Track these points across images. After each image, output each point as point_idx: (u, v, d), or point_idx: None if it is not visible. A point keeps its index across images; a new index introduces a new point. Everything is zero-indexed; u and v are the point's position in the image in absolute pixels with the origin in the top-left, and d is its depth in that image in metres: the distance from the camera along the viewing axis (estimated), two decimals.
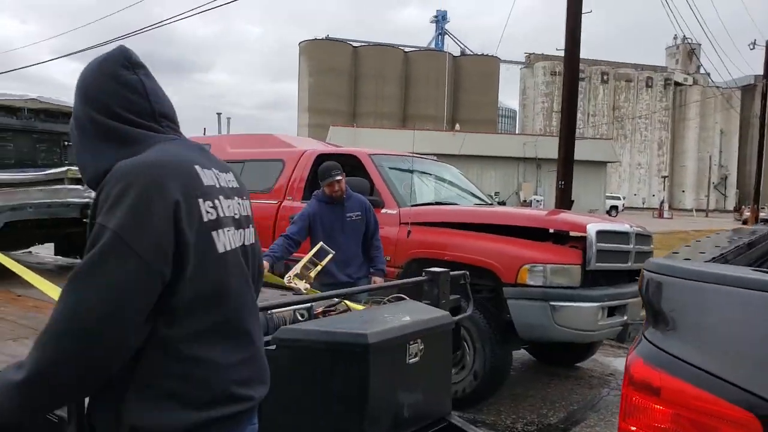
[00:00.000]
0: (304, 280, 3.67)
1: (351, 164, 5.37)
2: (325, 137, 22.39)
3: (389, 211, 4.69)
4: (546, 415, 4.38)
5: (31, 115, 4.59)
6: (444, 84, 52.56)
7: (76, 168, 4.68)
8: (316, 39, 57.92)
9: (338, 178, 4.16)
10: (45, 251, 6.49)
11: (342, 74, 56.14)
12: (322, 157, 5.66)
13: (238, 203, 1.35)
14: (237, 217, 1.32)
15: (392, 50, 57.70)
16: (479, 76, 55.64)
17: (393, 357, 2.26)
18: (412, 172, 4.88)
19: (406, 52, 58.30)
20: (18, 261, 5.41)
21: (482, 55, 57.29)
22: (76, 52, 14.76)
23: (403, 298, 2.86)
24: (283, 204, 5.53)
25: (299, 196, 5.44)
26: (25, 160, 4.51)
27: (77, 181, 4.75)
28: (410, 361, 2.33)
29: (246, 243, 1.35)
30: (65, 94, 4.97)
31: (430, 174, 5.69)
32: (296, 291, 3.60)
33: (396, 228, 4.55)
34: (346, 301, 3.12)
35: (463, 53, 60.56)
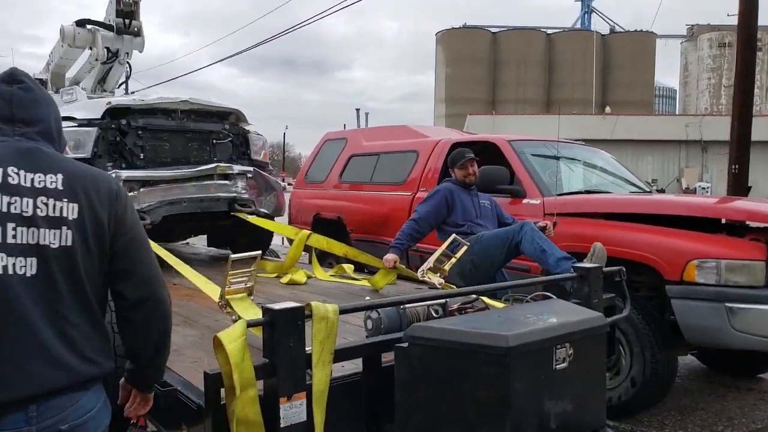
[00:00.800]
0: (438, 274, 3.50)
1: (489, 152, 5.10)
2: (462, 127, 22.01)
3: (532, 201, 4.35)
4: None
5: (183, 116, 4.90)
6: (591, 65, 49.39)
7: (225, 165, 4.97)
8: (453, 28, 57.38)
9: (471, 156, 4.08)
10: (200, 242, 7.01)
11: (480, 62, 55.04)
12: (456, 146, 5.45)
13: (43, 203, 1.44)
14: (29, 215, 1.42)
15: (534, 33, 55.39)
16: (632, 54, 51.44)
17: (537, 362, 2.01)
18: (558, 158, 4.47)
19: (548, 34, 55.65)
20: (174, 251, 5.86)
21: (635, 31, 52.97)
22: (225, 58, 15.91)
23: (549, 297, 2.56)
24: (417, 196, 5.40)
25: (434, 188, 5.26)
26: (179, 158, 4.83)
27: (226, 177, 5.01)
28: (557, 366, 2.06)
29: (43, 243, 1.43)
30: (226, 98, 5.29)
31: (579, 160, 5.20)
32: (431, 286, 3.44)
33: (540, 219, 4.21)
34: (484, 298, 2.90)
35: (612, 31, 56.41)
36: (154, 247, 3.79)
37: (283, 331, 1.92)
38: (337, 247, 4.42)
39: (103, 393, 1.58)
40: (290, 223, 7.26)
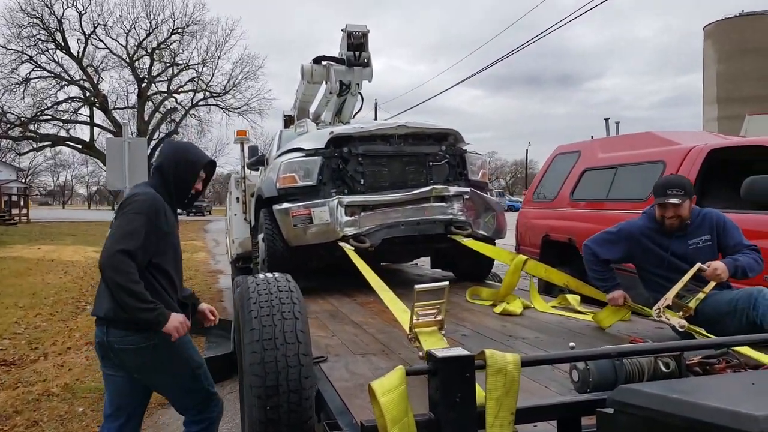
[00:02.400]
0: (680, 313, 2.80)
1: (762, 157, 4.05)
2: (739, 130, 18.78)
3: None
4: None
5: (401, 141, 4.93)
6: None
7: (441, 187, 4.85)
8: (725, 18, 50.09)
9: (674, 201, 3.07)
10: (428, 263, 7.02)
11: (762, 53, 46.94)
12: (716, 153, 4.47)
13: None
14: None
15: None
16: None
17: None
18: None
19: None
20: (400, 272, 5.88)
21: None
22: (466, 79, 16.09)
23: None
24: None
25: None
26: (397, 182, 4.85)
27: (442, 199, 4.89)
28: None
29: None
30: (468, 118, 5.23)
31: None
32: (671, 328, 2.76)
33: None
34: (744, 349, 2.19)
35: None
36: (362, 267, 3.84)
37: (448, 384, 1.63)
38: (556, 276, 3.89)
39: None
40: (518, 245, 6.85)
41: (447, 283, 2.43)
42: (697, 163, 4.47)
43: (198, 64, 35.18)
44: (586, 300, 4.03)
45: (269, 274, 2.38)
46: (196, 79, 35.52)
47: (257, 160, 6.87)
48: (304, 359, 2.07)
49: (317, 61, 6.83)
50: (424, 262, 7.28)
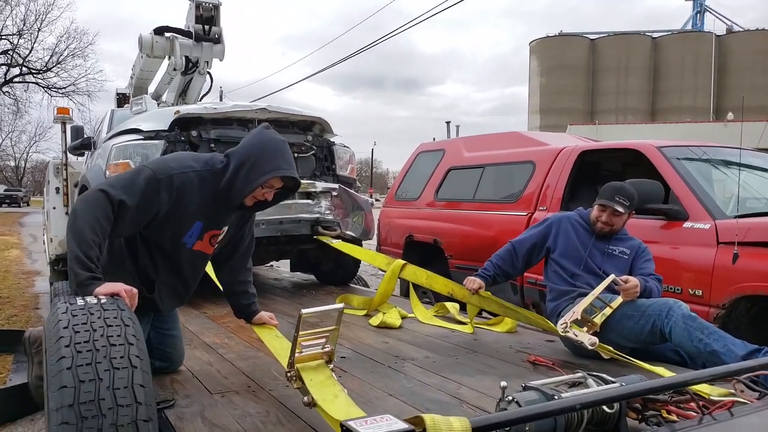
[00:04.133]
0: (584, 329, 2.55)
1: (630, 162, 4.08)
2: None
3: (698, 225, 3.28)
4: None
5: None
6: (703, 69, 45.42)
7: (307, 181, 4.30)
8: (547, 36, 55.37)
9: (617, 209, 2.92)
10: (285, 266, 6.41)
11: (578, 70, 52.57)
12: (585, 155, 4.47)
13: None
14: None
15: (637, 38, 52.01)
16: (753, 55, 46.95)
17: None
18: (739, 167, 3.36)
19: (654, 38, 52.18)
20: (258, 276, 5.20)
21: (757, 29, 48.32)
22: (314, 74, 15.64)
23: None
24: (534, 216, 4.46)
25: (556, 207, 4.30)
26: None
27: (307, 195, 4.34)
28: None
29: None
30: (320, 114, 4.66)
31: (764, 170, 4.01)
32: (577, 344, 2.50)
33: (711, 249, 3.15)
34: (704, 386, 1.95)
35: (730, 31, 51.82)
36: (212, 272, 3.16)
37: None
38: (440, 284, 3.51)
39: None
40: (379, 244, 6.51)
41: (342, 305, 1.90)
42: (568, 165, 4.43)
43: (13, 34, 30.41)
44: (464, 307, 3.76)
45: (92, 299, 1.66)
46: (10, 52, 30.67)
47: (82, 144, 5.71)
48: (145, 428, 1.41)
49: (159, 32, 5.87)
50: (281, 264, 6.64)
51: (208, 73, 6.15)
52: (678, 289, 3.25)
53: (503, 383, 1.64)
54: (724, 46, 49.05)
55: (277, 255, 5.18)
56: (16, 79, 31.65)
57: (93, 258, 1.83)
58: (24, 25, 30.57)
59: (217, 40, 5.86)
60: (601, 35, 54.53)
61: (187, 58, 5.76)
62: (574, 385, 1.81)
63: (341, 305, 1.87)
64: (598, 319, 2.55)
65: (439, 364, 2.66)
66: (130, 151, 3.99)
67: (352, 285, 5.24)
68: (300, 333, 1.83)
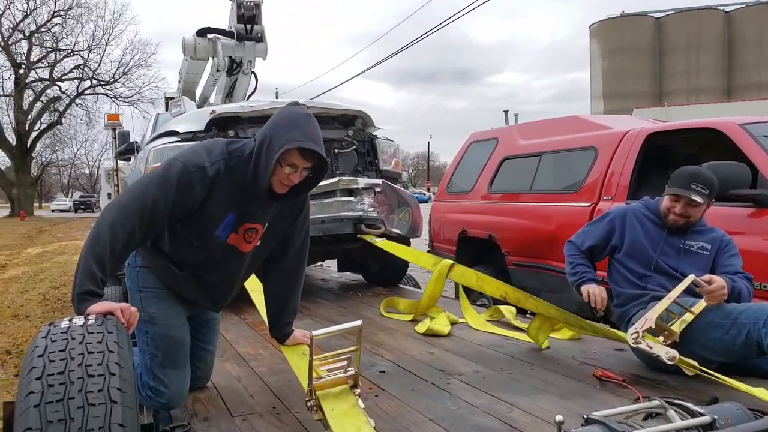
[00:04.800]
0: (660, 338, 2.18)
1: (707, 143, 3.61)
2: None
3: None
4: None
5: None
6: None
7: (349, 178, 4.06)
8: (608, 18, 53.15)
9: (696, 198, 2.45)
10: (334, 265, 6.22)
11: (642, 51, 50.20)
12: (654, 137, 4.01)
13: None
14: None
15: (707, 13, 49.05)
16: None
17: None
18: None
19: (726, 12, 49.10)
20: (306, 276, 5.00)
21: None
22: (362, 72, 15.41)
23: None
24: (598, 207, 4.05)
25: (623, 197, 3.88)
26: None
27: (349, 193, 4.10)
28: None
29: None
30: (376, 115, 4.43)
31: None
32: (656, 360, 2.13)
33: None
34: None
35: None
36: (250, 289, 2.97)
37: None
38: (492, 287, 3.14)
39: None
40: (431, 242, 6.21)
41: (360, 323, 1.63)
42: (634, 148, 3.99)
43: (84, 50, 32.15)
44: (521, 311, 3.42)
45: (78, 321, 1.47)
46: (82, 66, 32.42)
47: (126, 149, 5.73)
48: None
49: (201, 33, 5.80)
50: (330, 264, 6.46)
51: (253, 72, 6.04)
52: None
53: (559, 417, 1.33)
54: None
55: (322, 255, 4.98)
56: (87, 91, 33.38)
57: (105, 268, 1.66)
58: (93, 40, 32.23)
59: (260, 38, 5.73)
60: (668, 12, 51.79)
61: (230, 58, 5.67)
62: (649, 416, 1.47)
63: (359, 322, 1.60)
64: (677, 327, 2.16)
65: (490, 381, 2.35)
66: (167, 153, 3.87)
67: (401, 286, 4.97)
68: (316, 357, 1.58)
